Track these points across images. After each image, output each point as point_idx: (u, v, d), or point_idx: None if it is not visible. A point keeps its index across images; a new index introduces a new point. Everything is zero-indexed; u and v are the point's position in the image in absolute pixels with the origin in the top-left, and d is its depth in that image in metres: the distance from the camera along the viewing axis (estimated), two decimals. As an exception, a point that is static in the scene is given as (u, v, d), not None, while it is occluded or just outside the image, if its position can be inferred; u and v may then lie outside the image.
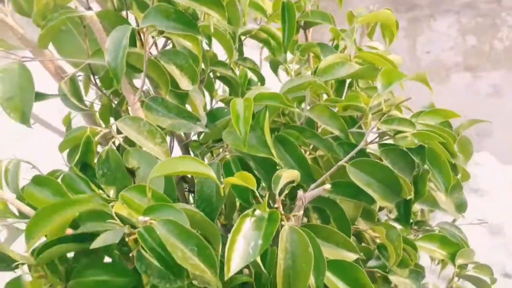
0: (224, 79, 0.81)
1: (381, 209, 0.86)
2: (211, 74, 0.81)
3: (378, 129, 0.58)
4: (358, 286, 0.53)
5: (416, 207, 0.91)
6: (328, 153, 0.64)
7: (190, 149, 0.85)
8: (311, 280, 0.52)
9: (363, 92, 0.63)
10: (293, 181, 0.53)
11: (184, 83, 0.59)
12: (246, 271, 0.65)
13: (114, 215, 0.47)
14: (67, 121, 0.84)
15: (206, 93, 0.81)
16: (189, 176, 0.85)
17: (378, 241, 0.70)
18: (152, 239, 0.46)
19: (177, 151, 0.83)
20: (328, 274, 0.53)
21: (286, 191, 0.54)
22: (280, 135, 0.62)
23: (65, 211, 0.47)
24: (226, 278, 0.44)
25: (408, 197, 0.57)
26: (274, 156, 0.59)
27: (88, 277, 0.52)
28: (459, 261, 0.75)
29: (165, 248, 0.45)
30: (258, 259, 0.52)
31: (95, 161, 0.59)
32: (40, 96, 0.61)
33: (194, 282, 0.51)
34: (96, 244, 0.45)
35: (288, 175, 0.50)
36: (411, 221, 0.87)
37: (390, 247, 0.66)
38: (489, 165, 2.15)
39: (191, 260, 0.44)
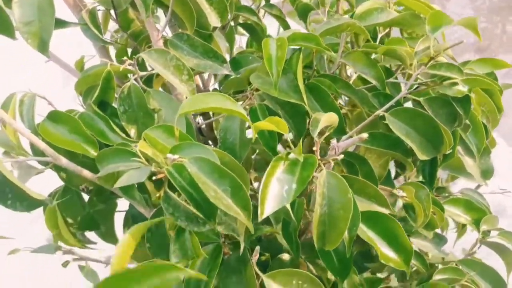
0: (247, 26, 0.76)
1: (398, 175, 0.83)
2: (231, 22, 0.77)
3: (417, 79, 0.54)
4: (391, 237, 0.50)
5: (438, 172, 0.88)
6: (362, 105, 0.60)
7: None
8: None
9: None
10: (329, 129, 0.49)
11: (213, 19, 0.54)
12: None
13: (139, 153, 0.44)
14: (80, 65, 0.79)
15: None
16: (206, 129, 0.82)
17: (405, 201, 0.67)
18: (182, 178, 0.42)
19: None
20: (361, 225, 0.50)
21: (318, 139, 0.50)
22: (312, 83, 0.58)
23: None
24: (260, 220, 0.41)
25: (448, 151, 0.54)
26: (305, 103, 0.55)
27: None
28: (483, 227, 0.73)
29: (196, 187, 0.42)
30: (288, 206, 0.49)
31: (115, 99, 0.56)
32: (60, 24, 0.56)
33: (219, 228, 0.48)
34: (120, 182, 0.42)
35: (326, 118, 0.46)
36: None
37: (418, 207, 0.63)
38: (497, 147, 2.13)
39: (224, 201, 0.41)
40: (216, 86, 0.76)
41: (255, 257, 0.49)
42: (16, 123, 0.46)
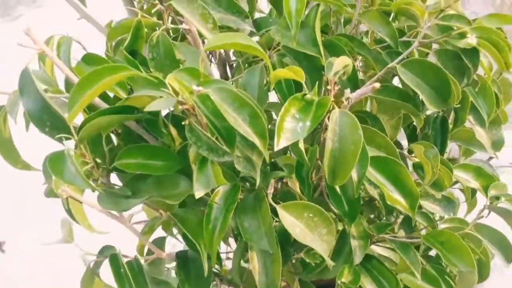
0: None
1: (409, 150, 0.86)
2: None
3: (426, 37, 0.57)
4: (399, 181, 0.53)
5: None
6: (375, 63, 0.63)
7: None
8: (353, 173, 0.52)
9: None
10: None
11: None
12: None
13: (168, 85, 0.48)
14: (110, 27, 0.84)
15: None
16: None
17: (414, 160, 0.69)
18: (205, 107, 0.46)
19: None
20: (369, 168, 0.53)
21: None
22: (329, 40, 0.62)
23: (109, 76, 0.46)
24: (275, 149, 0.45)
25: (456, 105, 0.56)
26: (322, 56, 0.58)
27: (135, 158, 0.53)
28: (492, 192, 0.75)
29: (218, 115, 0.46)
30: (301, 146, 0.53)
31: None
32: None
33: (237, 166, 0.52)
34: (150, 107, 0.46)
35: (340, 61, 0.50)
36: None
37: (426, 165, 0.65)
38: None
39: (243, 127, 0.45)
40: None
41: (270, 191, 0.52)
42: (56, 57, 0.50)
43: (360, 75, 0.71)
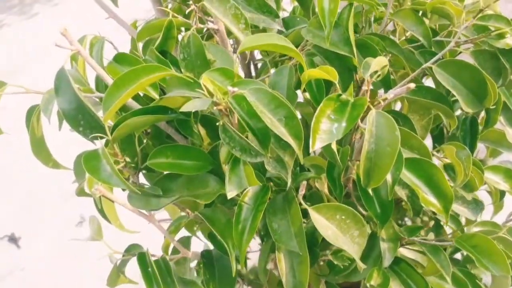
0: (296, -7, 0.79)
1: (434, 148, 0.85)
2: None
3: (460, 38, 0.56)
4: (433, 182, 0.52)
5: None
6: (407, 63, 0.62)
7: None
8: (388, 175, 0.51)
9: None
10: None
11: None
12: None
13: (202, 86, 0.48)
14: (134, 27, 0.84)
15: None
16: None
17: (444, 162, 0.68)
18: (241, 108, 0.46)
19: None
20: (404, 170, 0.52)
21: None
22: (361, 39, 0.61)
23: (144, 77, 0.46)
24: (311, 151, 0.44)
25: (491, 106, 0.55)
26: (355, 56, 0.57)
27: (167, 157, 0.52)
28: (522, 195, 0.73)
29: (254, 116, 0.45)
30: (334, 147, 0.52)
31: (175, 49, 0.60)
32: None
33: (268, 167, 0.51)
34: (185, 108, 0.46)
35: (377, 62, 0.49)
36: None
37: (458, 166, 0.64)
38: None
39: (279, 129, 0.44)
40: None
41: (301, 192, 0.52)
42: (89, 57, 0.50)
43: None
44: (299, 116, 0.84)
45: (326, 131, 0.46)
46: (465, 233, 0.57)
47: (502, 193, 0.79)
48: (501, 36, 0.51)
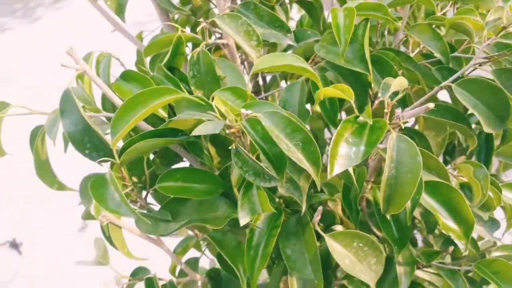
0: (304, 3, 0.77)
1: (446, 162, 0.82)
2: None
3: (486, 54, 0.54)
4: (453, 207, 0.50)
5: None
6: (423, 79, 0.60)
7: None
8: (406, 200, 0.49)
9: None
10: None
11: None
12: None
13: (214, 107, 0.46)
14: (140, 39, 0.82)
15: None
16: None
17: (461, 180, 0.66)
18: (255, 132, 0.44)
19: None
20: (423, 194, 0.50)
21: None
22: (375, 55, 0.59)
23: (155, 100, 0.44)
24: (328, 177, 0.42)
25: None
26: (370, 73, 0.55)
27: (176, 181, 0.50)
28: (539, 213, 0.71)
29: (269, 141, 0.43)
30: (351, 170, 0.50)
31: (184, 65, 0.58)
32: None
33: (281, 190, 0.49)
34: (197, 131, 0.43)
35: (398, 82, 0.47)
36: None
37: (476, 186, 0.62)
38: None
39: (296, 154, 0.42)
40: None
41: (317, 218, 0.49)
42: (96, 77, 0.48)
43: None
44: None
45: (344, 155, 0.44)
46: (485, 258, 0.55)
47: (518, 210, 0.77)
48: (524, 54, 0.49)
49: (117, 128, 0.43)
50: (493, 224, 0.74)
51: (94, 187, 0.42)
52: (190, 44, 0.73)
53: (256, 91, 0.85)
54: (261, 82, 0.86)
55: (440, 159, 0.77)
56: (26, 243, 1.95)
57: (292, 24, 0.95)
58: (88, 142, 0.47)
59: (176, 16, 0.82)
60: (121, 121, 0.43)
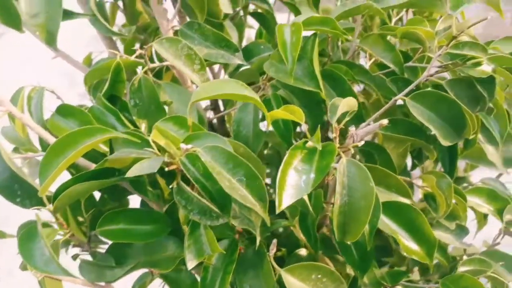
0: (257, 15, 0.74)
1: (414, 166, 0.81)
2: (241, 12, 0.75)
3: (440, 62, 0.52)
4: (414, 228, 0.48)
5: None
6: (379, 91, 0.58)
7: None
8: (364, 224, 0.47)
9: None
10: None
11: (225, 5, 0.53)
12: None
13: (151, 143, 0.42)
14: (88, 61, 0.78)
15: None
16: (217, 123, 0.80)
17: (425, 191, 0.64)
18: (196, 168, 0.41)
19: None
20: (382, 216, 0.48)
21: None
22: (327, 70, 0.56)
23: (85, 140, 0.40)
24: (277, 212, 0.40)
25: (471, 137, 0.52)
26: (322, 90, 0.53)
27: (117, 223, 0.47)
28: (507, 216, 0.70)
29: (210, 178, 0.40)
30: (306, 198, 0.47)
31: (125, 92, 0.54)
32: (67, 15, 0.55)
33: (234, 222, 0.46)
34: (132, 172, 0.40)
35: (345, 103, 0.44)
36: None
37: (440, 197, 0.60)
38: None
39: (239, 191, 0.39)
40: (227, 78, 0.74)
41: (272, 251, 0.47)
42: (25, 117, 0.45)
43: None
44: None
45: (293, 185, 0.42)
46: (452, 274, 0.53)
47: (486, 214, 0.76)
48: (477, 64, 0.47)
49: (45, 174, 0.39)
50: (461, 231, 0.72)
51: (22, 241, 0.39)
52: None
53: (215, 107, 0.82)
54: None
55: (408, 162, 0.76)
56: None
57: (252, 34, 0.92)
58: (18, 189, 0.43)
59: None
60: (49, 166, 0.40)
